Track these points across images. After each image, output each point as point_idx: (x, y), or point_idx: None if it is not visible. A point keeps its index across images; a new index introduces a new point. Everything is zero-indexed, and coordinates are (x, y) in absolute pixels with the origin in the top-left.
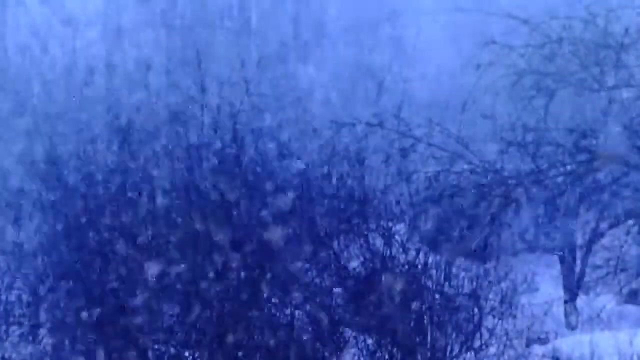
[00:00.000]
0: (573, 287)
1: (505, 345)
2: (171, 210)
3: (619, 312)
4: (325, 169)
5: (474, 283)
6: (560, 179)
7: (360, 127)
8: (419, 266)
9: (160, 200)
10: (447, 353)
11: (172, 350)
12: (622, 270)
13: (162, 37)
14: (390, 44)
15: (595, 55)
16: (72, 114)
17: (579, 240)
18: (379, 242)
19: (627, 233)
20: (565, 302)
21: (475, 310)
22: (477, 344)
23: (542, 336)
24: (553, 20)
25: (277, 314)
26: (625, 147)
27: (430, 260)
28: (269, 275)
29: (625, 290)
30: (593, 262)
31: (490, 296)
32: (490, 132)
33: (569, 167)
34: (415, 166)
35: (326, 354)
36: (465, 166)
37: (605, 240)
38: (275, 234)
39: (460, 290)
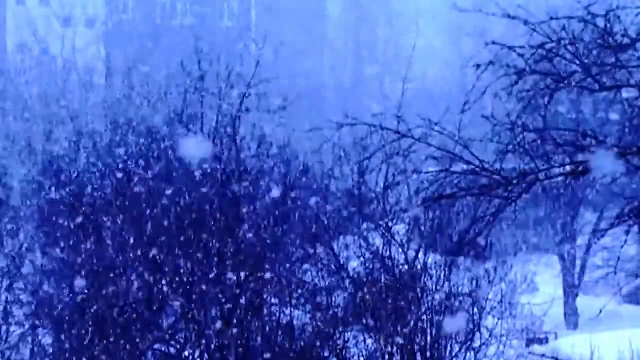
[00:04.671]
0: (573, 287)
1: (505, 345)
2: (171, 209)
3: (618, 312)
4: (326, 169)
5: (474, 283)
6: (560, 179)
7: (360, 127)
8: (419, 266)
9: (159, 199)
10: (447, 353)
11: (172, 350)
12: (622, 270)
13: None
14: (389, 44)
15: (595, 55)
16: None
17: (579, 240)
18: (379, 242)
19: (627, 233)
20: (565, 302)
21: (475, 310)
22: (477, 344)
23: (542, 336)
24: (553, 20)
25: (277, 314)
26: (625, 147)
27: (430, 260)
28: (268, 276)
29: (625, 290)
30: (593, 262)
31: (490, 296)
32: (490, 132)
33: (568, 167)
34: (415, 166)
35: (326, 354)
36: (465, 166)
37: (605, 240)
38: (276, 234)
39: (460, 290)
